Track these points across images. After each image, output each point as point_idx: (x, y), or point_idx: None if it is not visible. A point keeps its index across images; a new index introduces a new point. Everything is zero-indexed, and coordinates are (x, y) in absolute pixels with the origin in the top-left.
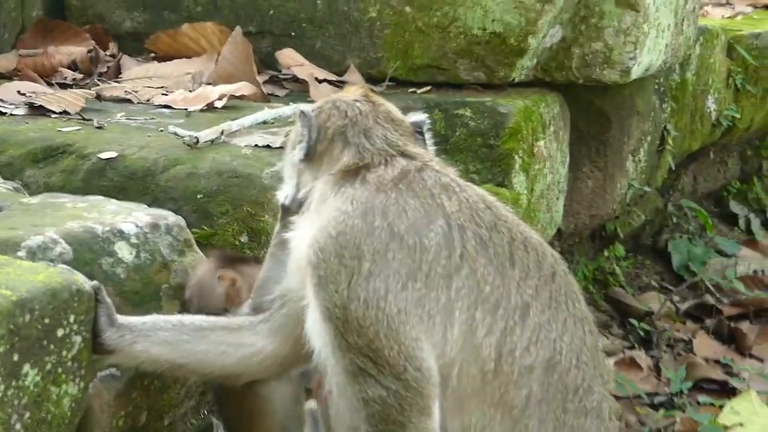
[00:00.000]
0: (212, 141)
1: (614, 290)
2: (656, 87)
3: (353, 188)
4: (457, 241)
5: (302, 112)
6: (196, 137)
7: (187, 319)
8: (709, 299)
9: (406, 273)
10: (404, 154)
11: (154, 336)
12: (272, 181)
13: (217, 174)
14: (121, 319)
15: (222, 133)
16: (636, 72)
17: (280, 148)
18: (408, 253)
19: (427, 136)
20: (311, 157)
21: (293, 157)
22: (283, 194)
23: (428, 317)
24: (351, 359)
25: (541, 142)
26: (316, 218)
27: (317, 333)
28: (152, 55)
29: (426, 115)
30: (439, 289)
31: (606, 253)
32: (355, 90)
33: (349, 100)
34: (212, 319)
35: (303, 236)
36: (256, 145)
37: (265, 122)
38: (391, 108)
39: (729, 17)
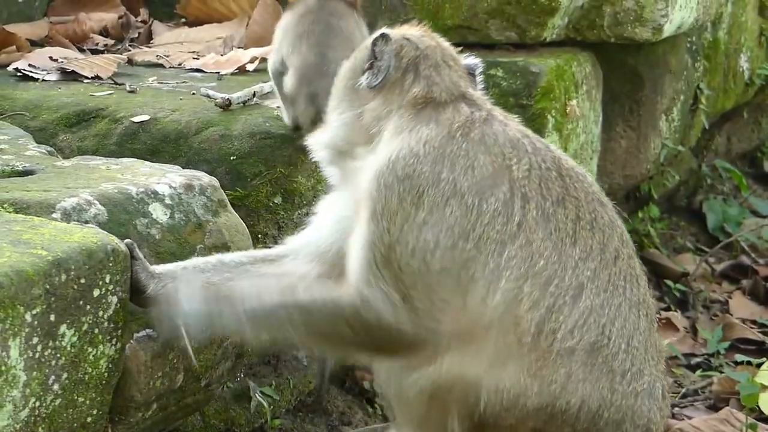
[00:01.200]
0: (244, 103)
1: (649, 251)
2: (689, 45)
3: (428, 128)
4: (518, 210)
5: (384, 34)
6: (228, 99)
7: (226, 257)
8: (745, 260)
9: (459, 232)
10: (466, 98)
11: (195, 279)
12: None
13: (250, 135)
14: (159, 268)
15: (254, 94)
16: (668, 30)
17: None
18: (465, 211)
19: (479, 79)
20: (383, 84)
21: (360, 83)
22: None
23: (470, 281)
24: (380, 287)
25: (574, 102)
26: (385, 150)
27: (355, 257)
28: (183, 20)
29: (479, 59)
30: (489, 254)
31: (640, 215)
32: (415, 27)
33: (417, 34)
34: (250, 253)
35: (369, 167)
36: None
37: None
38: (451, 47)
39: None
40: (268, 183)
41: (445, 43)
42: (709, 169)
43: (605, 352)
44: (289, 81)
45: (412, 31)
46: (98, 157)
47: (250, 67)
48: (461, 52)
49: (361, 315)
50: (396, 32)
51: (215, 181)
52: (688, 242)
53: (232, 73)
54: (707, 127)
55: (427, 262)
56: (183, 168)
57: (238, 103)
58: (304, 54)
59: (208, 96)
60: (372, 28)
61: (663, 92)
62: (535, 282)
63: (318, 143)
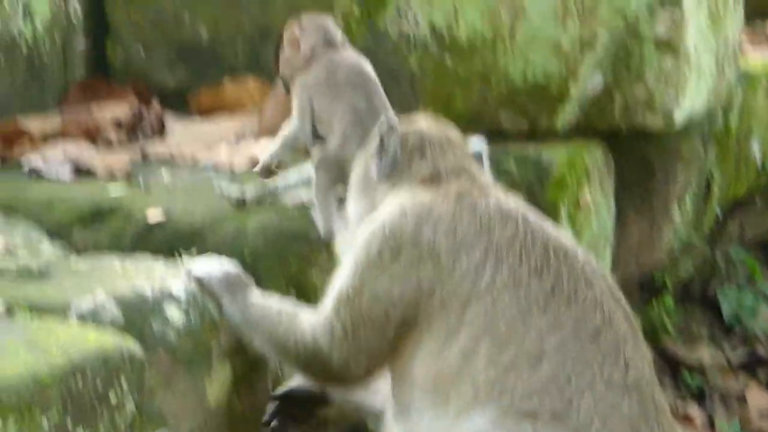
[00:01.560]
0: (259, 201)
1: (664, 342)
2: (700, 133)
3: (423, 194)
4: (489, 272)
5: (390, 125)
6: (243, 197)
7: None
8: (761, 350)
9: (427, 289)
10: (470, 174)
11: None
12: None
13: (264, 232)
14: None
15: (268, 190)
16: (679, 117)
17: None
18: (437, 271)
19: (486, 163)
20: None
21: (370, 173)
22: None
23: (428, 332)
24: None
25: (587, 192)
26: (381, 210)
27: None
28: (196, 112)
29: (485, 141)
30: (452, 310)
31: (655, 304)
32: (423, 116)
33: (424, 123)
34: None
35: (365, 224)
36: (303, 202)
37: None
38: (457, 134)
39: None
40: (282, 279)
41: (452, 130)
42: (722, 257)
43: (573, 423)
44: (333, 141)
45: (420, 120)
46: (113, 257)
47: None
48: None
49: (305, 334)
50: (403, 122)
51: None
52: (704, 332)
53: (246, 167)
54: (720, 214)
55: (387, 312)
56: None
57: (253, 201)
58: (350, 101)
59: (222, 194)
60: None
61: (675, 180)
62: (494, 341)
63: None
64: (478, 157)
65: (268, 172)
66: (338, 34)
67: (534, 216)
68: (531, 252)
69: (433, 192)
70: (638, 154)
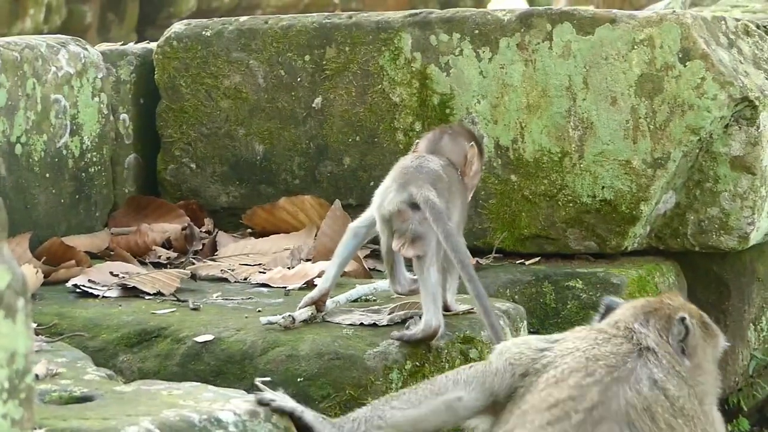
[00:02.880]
0: (307, 320)
1: None
2: None
3: None
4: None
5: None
6: (291, 316)
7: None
8: None
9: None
10: None
11: None
12: (375, 361)
13: (318, 356)
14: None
15: (318, 311)
16: (755, 237)
17: (388, 326)
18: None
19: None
20: None
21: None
22: None
23: None
24: None
25: None
26: None
27: None
28: (249, 230)
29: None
30: None
31: (730, 428)
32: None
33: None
34: None
35: None
36: (362, 324)
37: (366, 299)
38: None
39: None
40: (336, 405)
41: None
42: None
43: None
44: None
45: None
46: (160, 381)
47: (319, 281)
48: (538, 262)
49: None
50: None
51: None
52: None
53: (300, 288)
54: None
55: None
56: (248, 391)
57: (301, 321)
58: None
59: (269, 322)
60: None
61: (751, 301)
62: None
63: None
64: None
65: (321, 303)
66: None
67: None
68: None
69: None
70: (712, 273)
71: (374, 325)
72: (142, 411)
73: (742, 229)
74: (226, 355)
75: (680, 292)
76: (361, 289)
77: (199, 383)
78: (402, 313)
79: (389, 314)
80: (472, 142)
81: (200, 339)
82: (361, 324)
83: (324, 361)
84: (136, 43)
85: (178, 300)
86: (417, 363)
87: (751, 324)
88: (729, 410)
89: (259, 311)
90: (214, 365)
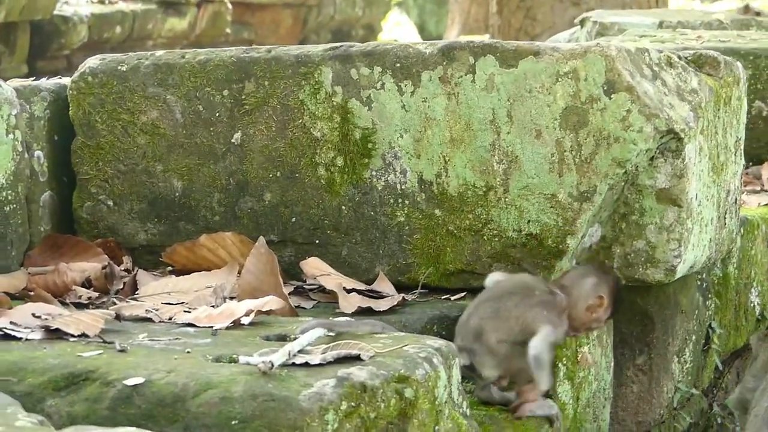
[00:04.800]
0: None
1: None
2: (699, 283)
3: None
4: None
5: None
6: (270, 362)
7: None
8: None
9: None
10: None
11: None
12: (311, 402)
13: (252, 397)
14: None
15: (290, 354)
16: (681, 270)
17: (319, 365)
18: None
19: None
20: None
21: None
22: None
23: None
24: None
25: (585, 348)
26: None
27: None
28: (169, 268)
29: None
30: None
31: None
32: None
33: None
34: None
35: None
36: (294, 364)
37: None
38: None
39: (767, 205)
40: None
41: None
42: (720, 408)
43: None
44: None
45: None
46: (92, 427)
47: (245, 320)
48: (463, 297)
49: None
50: None
51: None
52: None
53: (227, 328)
54: (720, 366)
55: None
56: None
57: (280, 365)
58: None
59: (248, 363)
60: (369, 274)
61: (674, 333)
62: None
63: None
64: None
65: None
66: None
67: None
68: None
69: None
70: (637, 307)
71: (306, 364)
72: None
73: (668, 262)
74: (157, 398)
75: (607, 325)
76: (319, 330)
77: (133, 429)
78: (335, 352)
79: (322, 353)
80: (602, 296)
81: (130, 382)
82: (293, 363)
83: (258, 403)
84: (27, 76)
85: (104, 341)
86: (353, 403)
87: (675, 356)
88: None
89: (188, 352)
90: (145, 408)
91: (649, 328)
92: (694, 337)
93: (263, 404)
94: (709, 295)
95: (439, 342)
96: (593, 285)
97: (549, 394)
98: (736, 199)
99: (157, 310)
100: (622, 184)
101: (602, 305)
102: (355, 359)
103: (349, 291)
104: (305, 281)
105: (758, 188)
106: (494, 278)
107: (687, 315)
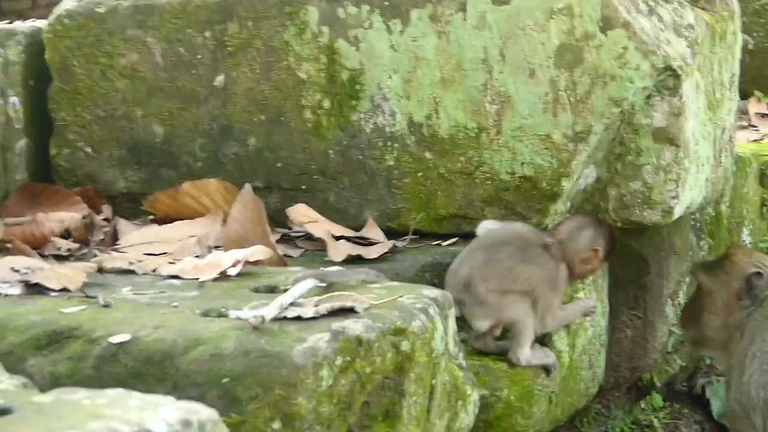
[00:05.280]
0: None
1: None
2: (693, 223)
3: None
4: None
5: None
6: (261, 316)
7: None
8: None
9: None
10: None
11: None
12: (305, 358)
13: (244, 354)
14: None
15: (282, 307)
16: (678, 211)
17: (313, 318)
18: None
19: None
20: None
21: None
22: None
23: None
24: None
25: (581, 294)
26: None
27: None
28: (151, 217)
29: None
30: None
31: (642, 405)
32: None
33: None
34: None
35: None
36: (286, 318)
37: (285, 290)
38: None
39: (756, 140)
40: (265, 407)
41: None
42: None
43: None
44: None
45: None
46: (80, 389)
47: (233, 271)
48: (456, 243)
49: None
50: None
51: (215, 414)
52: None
53: (214, 279)
54: None
55: None
56: (171, 394)
57: (271, 319)
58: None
59: (238, 318)
60: (357, 220)
61: (668, 276)
62: None
63: None
64: None
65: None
66: None
67: None
68: None
69: None
70: (631, 249)
71: (299, 318)
72: (67, 424)
73: (666, 203)
74: (145, 356)
75: (602, 269)
76: (304, 284)
77: (122, 390)
78: (328, 305)
79: (314, 305)
80: (604, 251)
81: (116, 339)
82: (285, 317)
83: (250, 360)
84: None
85: (87, 296)
86: (348, 358)
87: (669, 299)
88: (641, 387)
89: (175, 306)
90: (132, 367)
91: (643, 270)
92: (687, 279)
93: (255, 360)
94: (702, 235)
95: (435, 291)
96: (590, 238)
97: (545, 342)
98: (731, 137)
99: (140, 261)
100: (618, 123)
101: (597, 257)
102: (349, 311)
103: (337, 238)
104: (292, 228)
105: (746, 123)
106: (486, 226)
107: (681, 256)
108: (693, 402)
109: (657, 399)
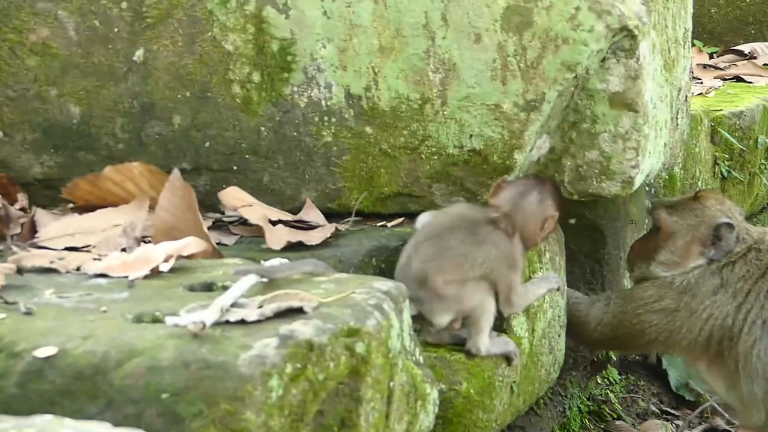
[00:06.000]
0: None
1: (614, 423)
2: (647, 189)
3: None
4: None
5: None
6: (201, 322)
7: None
8: (719, 422)
9: None
10: None
11: None
12: (251, 367)
13: (184, 365)
14: None
15: (223, 310)
16: (638, 181)
17: (257, 321)
18: None
19: None
20: None
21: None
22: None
23: None
24: None
25: (539, 271)
26: None
27: None
28: (71, 205)
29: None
30: None
31: (599, 380)
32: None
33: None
34: None
35: None
36: (228, 321)
37: (223, 286)
38: None
39: (701, 94)
40: (210, 424)
41: None
42: None
43: None
44: None
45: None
46: (6, 417)
47: (165, 267)
48: (402, 223)
49: None
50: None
51: None
52: (652, 405)
53: (145, 277)
54: None
55: None
56: (105, 412)
57: (212, 324)
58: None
59: (176, 325)
60: (295, 201)
61: (625, 246)
62: None
63: None
64: None
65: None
66: None
67: None
68: None
69: None
70: (586, 221)
71: (242, 321)
72: None
73: (625, 173)
74: (74, 371)
75: (559, 246)
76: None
77: (51, 417)
78: (274, 305)
79: (258, 306)
80: (556, 213)
81: (41, 353)
82: (227, 321)
83: (191, 372)
84: None
85: (6, 302)
86: (298, 365)
87: (626, 270)
88: (598, 362)
89: (104, 311)
90: (61, 383)
91: (599, 242)
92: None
93: (197, 372)
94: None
95: (387, 283)
96: (538, 201)
97: (504, 329)
98: (686, 97)
99: (62, 259)
100: (572, 89)
101: (554, 220)
102: (297, 312)
103: (274, 223)
104: (224, 213)
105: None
106: (423, 219)
107: (638, 225)
108: (649, 373)
109: (613, 373)
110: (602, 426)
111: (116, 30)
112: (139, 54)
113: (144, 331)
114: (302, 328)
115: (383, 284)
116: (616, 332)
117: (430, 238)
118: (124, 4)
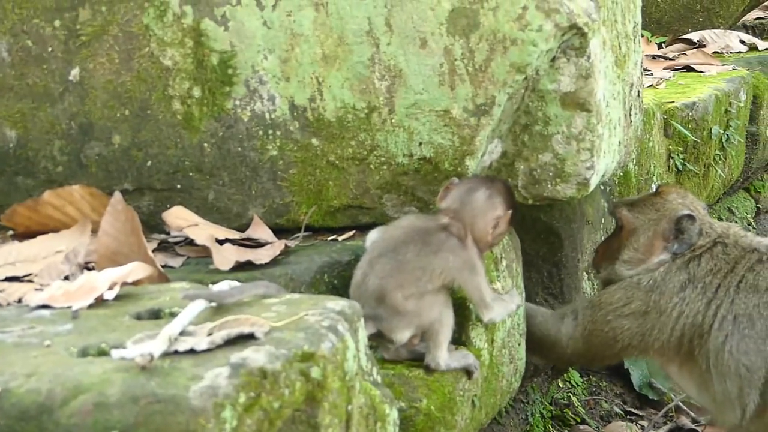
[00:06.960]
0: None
1: (578, 428)
2: (603, 188)
3: None
4: None
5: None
6: (150, 354)
7: None
8: (685, 421)
9: None
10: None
11: None
12: (203, 399)
13: (132, 401)
14: None
15: (171, 340)
16: (594, 182)
17: (208, 350)
18: None
19: None
20: None
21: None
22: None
23: None
24: None
25: (498, 285)
26: None
27: None
28: (10, 232)
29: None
30: None
31: (560, 383)
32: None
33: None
34: None
35: None
36: (176, 352)
37: (170, 313)
38: None
39: (652, 86)
40: None
41: None
42: None
43: None
44: None
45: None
46: None
47: (109, 295)
48: (353, 236)
49: None
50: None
51: None
52: (615, 406)
53: (89, 306)
54: None
55: None
56: None
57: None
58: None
59: (122, 358)
60: (242, 219)
61: (583, 248)
62: None
63: None
64: None
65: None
66: None
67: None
68: None
69: None
70: (541, 224)
71: (192, 351)
72: None
73: (580, 174)
74: (18, 411)
75: (515, 252)
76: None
77: None
78: (224, 332)
79: (208, 334)
80: (510, 211)
81: None
82: (175, 351)
83: (141, 407)
84: None
85: None
86: (252, 394)
87: (584, 273)
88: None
89: (48, 345)
90: (5, 425)
91: (556, 245)
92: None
93: (147, 407)
94: (613, 198)
95: (340, 302)
96: (486, 198)
97: (462, 341)
98: (639, 92)
99: (2, 291)
100: (523, 91)
101: (506, 218)
102: (249, 338)
103: (221, 242)
104: (170, 233)
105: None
106: (372, 237)
107: (594, 225)
108: (611, 373)
109: (575, 376)
110: (566, 430)
111: (50, 49)
112: (74, 73)
113: (90, 366)
114: (254, 356)
115: (336, 304)
116: (589, 344)
117: (385, 254)
118: (57, 23)
